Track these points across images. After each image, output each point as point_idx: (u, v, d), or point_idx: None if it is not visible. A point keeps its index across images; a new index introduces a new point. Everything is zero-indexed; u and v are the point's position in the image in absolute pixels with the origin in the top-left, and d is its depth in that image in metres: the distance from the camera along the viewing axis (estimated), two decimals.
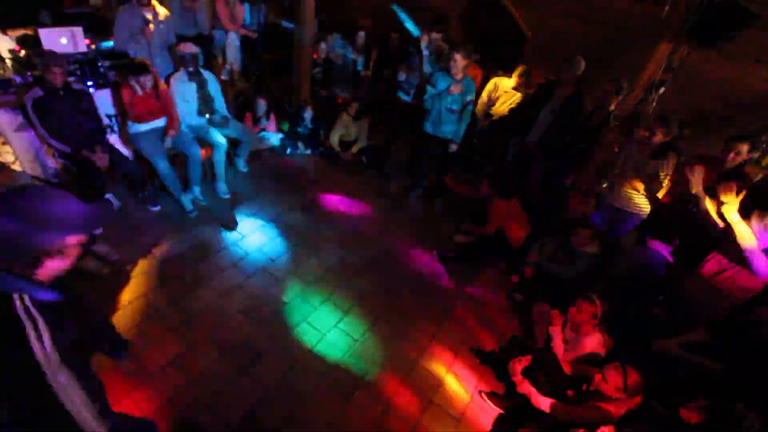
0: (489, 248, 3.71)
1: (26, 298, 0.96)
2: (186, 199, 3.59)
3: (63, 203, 1.00)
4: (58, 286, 1.04)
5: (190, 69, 3.56)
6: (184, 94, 3.59)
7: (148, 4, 3.80)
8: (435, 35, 3.78)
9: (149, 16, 3.80)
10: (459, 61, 3.44)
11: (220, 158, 3.78)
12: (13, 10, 4.13)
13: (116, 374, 2.28)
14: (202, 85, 3.67)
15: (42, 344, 0.94)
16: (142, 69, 3.22)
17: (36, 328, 0.94)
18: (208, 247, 3.28)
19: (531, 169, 4.27)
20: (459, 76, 3.55)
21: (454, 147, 3.83)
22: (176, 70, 3.64)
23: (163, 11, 3.94)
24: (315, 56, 4.91)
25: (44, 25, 3.78)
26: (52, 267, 1.01)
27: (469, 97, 3.61)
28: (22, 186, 1.02)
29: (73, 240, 1.01)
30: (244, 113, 4.49)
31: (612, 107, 3.68)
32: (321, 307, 2.98)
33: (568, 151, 3.89)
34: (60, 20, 4.01)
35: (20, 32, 3.90)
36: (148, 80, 3.25)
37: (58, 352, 0.96)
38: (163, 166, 3.40)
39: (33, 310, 0.95)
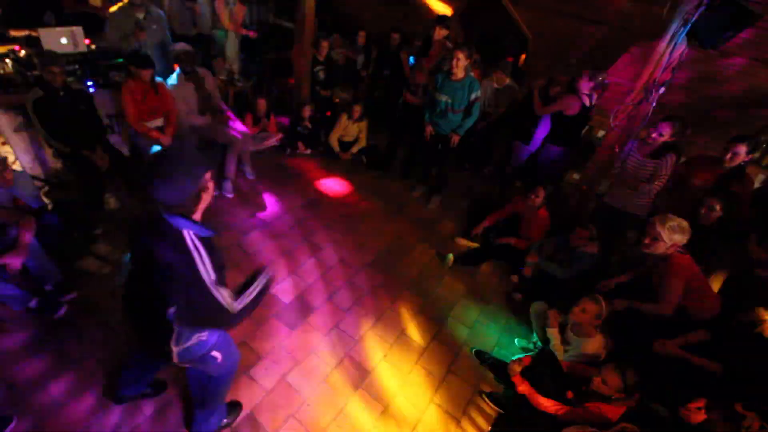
0: (493, 252, 3.71)
1: (191, 233, 1.33)
2: None
3: (192, 150, 1.34)
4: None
5: (186, 68, 3.55)
6: (183, 94, 3.59)
7: (141, 4, 3.75)
8: (442, 31, 3.80)
9: (142, 17, 3.75)
10: (461, 60, 3.42)
11: (232, 157, 3.78)
12: (18, 10, 4.12)
13: (115, 376, 2.29)
14: (200, 85, 3.67)
15: (206, 268, 1.32)
16: (144, 61, 3.21)
17: (201, 256, 1.32)
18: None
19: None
20: (460, 75, 3.53)
21: (455, 139, 3.83)
22: (171, 71, 3.63)
23: (155, 11, 3.89)
24: (315, 52, 4.91)
25: (48, 26, 3.78)
26: (205, 201, 1.37)
27: (474, 95, 3.60)
28: (164, 150, 1.36)
29: (209, 175, 1.35)
30: (244, 113, 4.49)
31: (593, 102, 3.73)
32: (321, 308, 2.98)
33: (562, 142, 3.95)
34: (62, 21, 4.01)
35: (24, 32, 3.90)
36: (148, 74, 3.24)
37: (216, 273, 1.35)
38: None
39: (197, 243, 1.32)
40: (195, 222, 1.36)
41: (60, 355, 2.34)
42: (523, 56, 5.71)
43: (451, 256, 3.58)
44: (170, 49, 4.02)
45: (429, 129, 3.89)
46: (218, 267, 1.38)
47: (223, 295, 1.38)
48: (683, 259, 2.47)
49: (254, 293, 1.52)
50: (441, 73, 3.67)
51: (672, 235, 2.40)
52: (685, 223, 2.42)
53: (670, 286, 2.47)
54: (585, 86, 3.73)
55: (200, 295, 1.34)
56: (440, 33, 3.81)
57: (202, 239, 1.35)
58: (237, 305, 1.44)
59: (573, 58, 3.80)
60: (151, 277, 1.39)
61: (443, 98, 3.65)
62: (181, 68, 3.56)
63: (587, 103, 3.76)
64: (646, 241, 2.48)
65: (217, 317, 1.44)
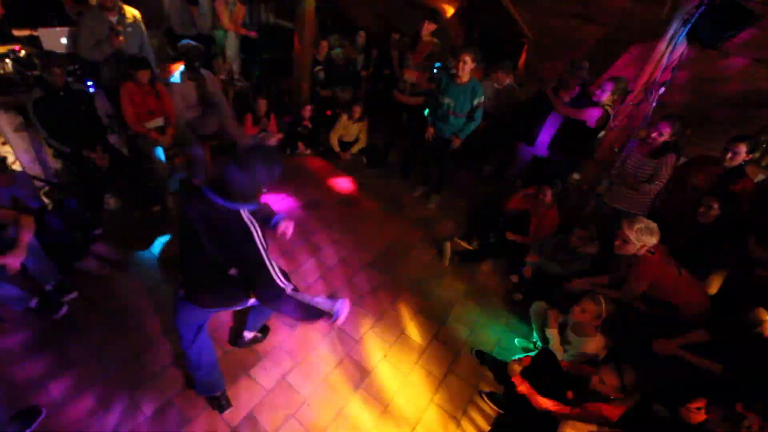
0: (494, 250, 3.71)
1: (246, 211, 1.54)
2: (170, 199, 3.55)
3: (274, 152, 1.60)
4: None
5: (194, 63, 3.55)
6: (184, 93, 3.59)
7: (113, 7, 3.49)
8: (430, 26, 3.74)
9: (115, 21, 3.51)
10: (468, 63, 3.38)
11: None
12: (20, 10, 4.08)
13: (117, 375, 2.29)
14: (201, 84, 3.67)
15: (260, 239, 1.54)
16: (141, 63, 3.20)
17: (255, 229, 1.53)
18: None
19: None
20: (465, 79, 3.50)
21: (457, 142, 3.81)
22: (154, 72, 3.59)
23: (130, 12, 3.64)
24: (315, 52, 4.89)
25: (50, 26, 3.73)
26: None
27: (477, 100, 3.57)
28: (255, 145, 1.52)
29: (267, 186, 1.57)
30: (244, 113, 4.49)
31: (611, 110, 3.69)
32: None
33: (574, 150, 3.92)
34: (65, 21, 3.95)
35: (26, 32, 3.87)
36: (146, 75, 3.23)
37: (265, 242, 1.57)
38: (159, 166, 3.39)
39: (251, 218, 1.54)
40: (249, 203, 1.56)
41: (61, 355, 2.34)
42: (522, 56, 5.72)
43: (448, 244, 3.57)
44: (149, 50, 3.94)
45: (431, 130, 3.87)
46: (266, 242, 1.58)
47: (275, 269, 1.57)
48: (651, 260, 2.52)
49: (314, 303, 1.64)
50: (446, 75, 3.64)
51: (640, 236, 2.46)
52: (653, 225, 2.49)
53: (631, 283, 2.60)
54: (608, 99, 3.68)
55: (254, 267, 1.54)
56: (428, 28, 3.74)
57: (251, 212, 1.57)
58: (289, 287, 1.61)
59: (584, 60, 3.74)
60: (209, 242, 1.57)
61: (446, 101, 3.62)
62: (187, 63, 3.54)
63: (610, 113, 3.73)
64: (617, 243, 2.56)
65: (269, 290, 1.58)
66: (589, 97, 3.70)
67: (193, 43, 3.53)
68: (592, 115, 3.64)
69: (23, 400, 2.09)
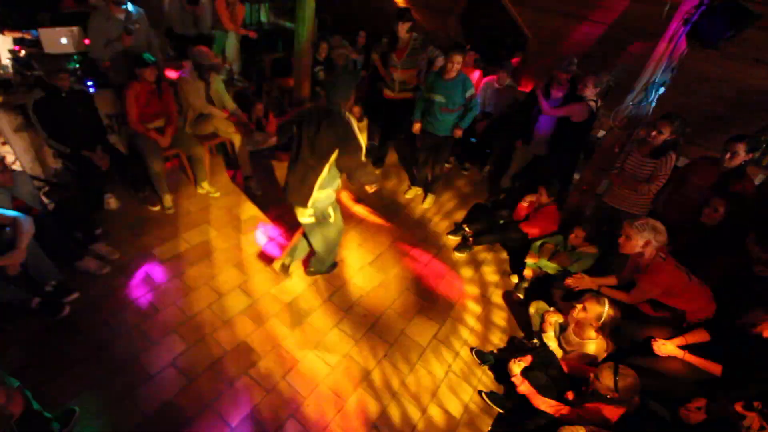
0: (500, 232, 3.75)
1: (346, 113, 2.43)
2: (168, 198, 3.56)
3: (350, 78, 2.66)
4: None
5: (204, 75, 3.59)
6: (195, 89, 3.61)
7: (119, 3, 3.46)
8: (404, 25, 3.80)
9: (123, 18, 3.50)
10: (458, 63, 3.44)
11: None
12: (12, 11, 4.09)
13: (116, 376, 2.29)
14: (208, 86, 3.68)
15: (357, 131, 2.40)
16: (148, 62, 3.18)
17: (353, 125, 2.39)
18: (209, 247, 3.28)
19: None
20: (451, 75, 3.51)
21: (458, 133, 3.79)
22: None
23: (136, 10, 3.62)
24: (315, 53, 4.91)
25: (44, 27, 3.74)
26: (350, 104, 2.48)
27: (469, 92, 3.59)
28: (338, 74, 2.36)
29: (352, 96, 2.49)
30: (243, 113, 4.49)
31: (598, 106, 3.72)
32: (321, 307, 2.98)
33: (567, 148, 3.93)
34: (59, 21, 3.95)
35: (17, 35, 3.86)
36: (153, 73, 3.22)
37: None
38: (157, 166, 3.38)
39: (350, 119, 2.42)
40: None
41: (61, 356, 2.34)
42: (522, 56, 5.72)
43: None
44: (155, 48, 3.93)
45: (417, 126, 3.89)
46: None
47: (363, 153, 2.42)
48: (664, 268, 2.49)
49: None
50: (433, 73, 3.66)
51: (642, 232, 2.43)
52: (652, 223, 2.46)
53: (642, 288, 2.57)
54: (591, 93, 3.71)
55: (354, 148, 2.36)
56: (403, 27, 3.82)
57: None
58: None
59: (573, 56, 3.77)
60: (319, 142, 2.37)
61: (437, 98, 3.62)
62: (196, 67, 3.56)
63: (594, 108, 3.74)
64: (620, 240, 2.55)
65: (360, 164, 2.43)
66: (575, 93, 3.74)
67: (205, 62, 3.54)
68: (574, 110, 3.69)
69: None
